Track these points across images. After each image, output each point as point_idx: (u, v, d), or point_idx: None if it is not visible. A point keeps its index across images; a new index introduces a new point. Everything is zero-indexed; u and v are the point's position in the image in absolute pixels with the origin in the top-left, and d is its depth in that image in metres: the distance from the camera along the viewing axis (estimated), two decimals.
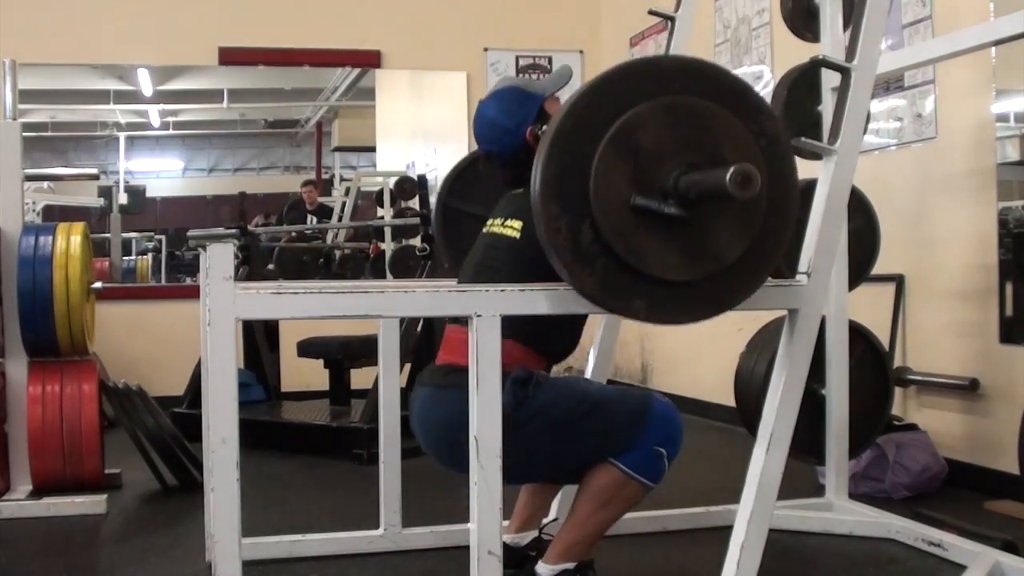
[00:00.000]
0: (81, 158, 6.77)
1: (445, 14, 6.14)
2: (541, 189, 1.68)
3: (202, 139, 7.16)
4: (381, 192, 6.33)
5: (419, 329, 4.24)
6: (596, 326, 2.75)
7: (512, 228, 2.18)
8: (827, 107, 2.90)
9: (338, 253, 6.42)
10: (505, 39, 6.17)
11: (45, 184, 6.25)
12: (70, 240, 3.36)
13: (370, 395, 4.12)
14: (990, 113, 3.29)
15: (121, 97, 6.49)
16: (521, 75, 6.06)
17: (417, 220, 4.83)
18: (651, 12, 2.94)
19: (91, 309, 3.62)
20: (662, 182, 1.69)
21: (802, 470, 3.14)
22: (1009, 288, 3.20)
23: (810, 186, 2.11)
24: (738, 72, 4.56)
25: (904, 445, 3.25)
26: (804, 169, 2.70)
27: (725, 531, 1.93)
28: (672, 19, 2.93)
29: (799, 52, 2.99)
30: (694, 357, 5.16)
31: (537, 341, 2.13)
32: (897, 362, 3.57)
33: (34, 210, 6.13)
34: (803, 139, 2.08)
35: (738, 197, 1.57)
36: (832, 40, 2.89)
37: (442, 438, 2.09)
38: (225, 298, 1.54)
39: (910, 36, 3.57)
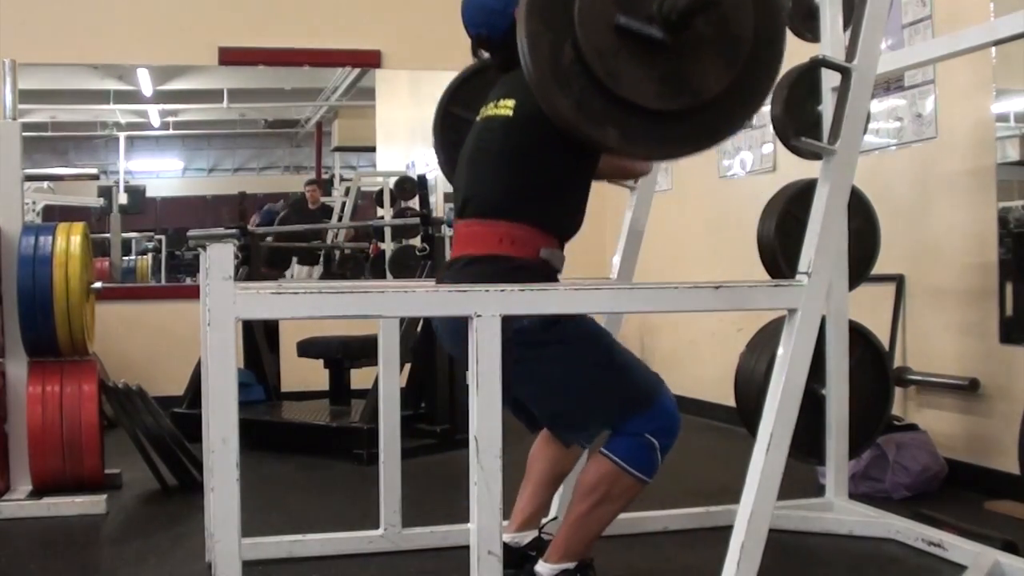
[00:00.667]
0: (81, 158, 6.76)
1: (445, 14, 6.04)
2: (527, 5, 1.68)
3: (202, 139, 7.15)
4: (381, 192, 6.34)
5: (419, 329, 4.24)
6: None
7: (506, 107, 2.15)
8: (827, 107, 2.89)
9: (338, 253, 6.42)
10: None
11: (45, 184, 6.24)
12: (70, 240, 3.37)
13: (370, 395, 4.11)
14: (990, 113, 3.29)
15: (121, 97, 6.49)
16: None
17: (417, 220, 4.83)
18: None
19: (91, 309, 3.62)
20: (647, 8, 1.70)
21: (802, 470, 3.13)
22: (1009, 288, 3.21)
23: (810, 186, 2.11)
24: None
25: (904, 445, 3.26)
26: (804, 169, 2.72)
27: (725, 531, 1.93)
28: None
29: (799, 52, 2.98)
30: (694, 357, 5.16)
31: (551, 224, 2.13)
32: (897, 362, 3.58)
33: (34, 210, 6.13)
34: (803, 139, 2.08)
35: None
36: (832, 40, 2.89)
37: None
38: (225, 298, 1.54)
39: (910, 36, 3.57)
